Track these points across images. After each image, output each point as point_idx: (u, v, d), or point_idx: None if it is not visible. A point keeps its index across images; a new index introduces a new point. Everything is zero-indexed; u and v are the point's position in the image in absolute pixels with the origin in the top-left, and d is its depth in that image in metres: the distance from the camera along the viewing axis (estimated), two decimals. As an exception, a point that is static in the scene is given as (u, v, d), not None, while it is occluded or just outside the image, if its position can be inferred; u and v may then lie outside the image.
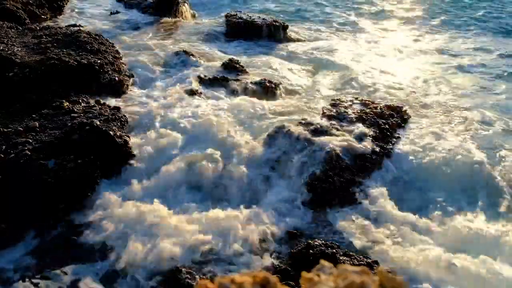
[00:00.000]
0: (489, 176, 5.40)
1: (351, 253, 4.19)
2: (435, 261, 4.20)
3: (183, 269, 4.02)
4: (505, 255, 4.34)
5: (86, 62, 6.83)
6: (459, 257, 4.26)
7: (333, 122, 6.04)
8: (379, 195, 5.07)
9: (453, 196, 5.21)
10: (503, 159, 5.76)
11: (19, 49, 6.92)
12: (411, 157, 5.75)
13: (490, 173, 5.45)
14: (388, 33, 11.46)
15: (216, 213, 4.71)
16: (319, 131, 5.79)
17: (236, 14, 11.02)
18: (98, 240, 4.41)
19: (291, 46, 9.94)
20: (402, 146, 5.89)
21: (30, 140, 5.02)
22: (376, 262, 4.06)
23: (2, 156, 4.75)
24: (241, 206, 4.85)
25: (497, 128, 6.60)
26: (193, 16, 11.73)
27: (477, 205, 5.09)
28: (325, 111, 6.35)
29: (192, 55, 8.41)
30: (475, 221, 4.80)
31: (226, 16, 11.03)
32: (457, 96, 7.72)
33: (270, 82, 7.60)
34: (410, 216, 4.84)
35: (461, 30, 11.61)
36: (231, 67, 8.07)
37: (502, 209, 5.04)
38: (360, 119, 6.14)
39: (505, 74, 8.83)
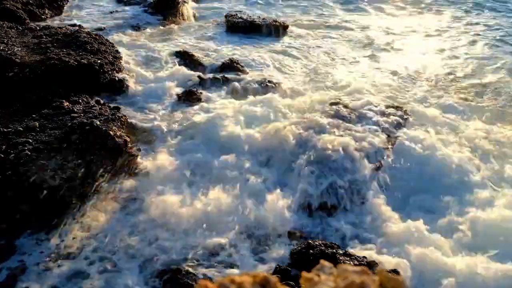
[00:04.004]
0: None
1: (351, 253, 4.19)
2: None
3: (183, 269, 4.02)
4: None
5: (86, 62, 6.83)
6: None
7: (333, 121, 6.04)
8: (379, 196, 5.07)
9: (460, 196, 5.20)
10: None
11: (19, 49, 6.92)
12: (411, 157, 5.77)
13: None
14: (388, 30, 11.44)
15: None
16: (319, 131, 5.79)
17: (236, 14, 11.03)
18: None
19: (291, 46, 9.94)
20: (403, 145, 5.90)
21: (30, 140, 5.02)
22: (376, 262, 4.06)
23: (2, 156, 4.75)
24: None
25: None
26: (194, 16, 11.73)
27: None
28: (325, 111, 6.35)
29: (192, 55, 8.41)
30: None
31: (226, 16, 11.04)
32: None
33: (270, 82, 7.61)
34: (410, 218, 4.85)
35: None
36: (231, 67, 8.08)
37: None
38: (360, 118, 6.15)
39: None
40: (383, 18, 12.17)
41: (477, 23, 11.61)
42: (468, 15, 12.28)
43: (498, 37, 10.61)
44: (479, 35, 10.81)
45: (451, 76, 8.58)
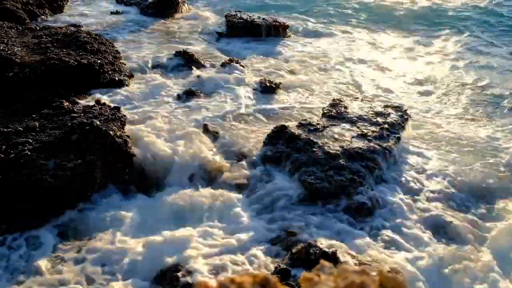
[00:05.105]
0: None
1: (351, 252, 4.19)
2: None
3: (183, 269, 4.02)
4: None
5: (86, 62, 6.83)
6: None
7: (333, 122, 6.04)
8: (379, 195, 5.07)
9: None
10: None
11: (19, 49, 6.92)
12: (411, 156, 5.78)
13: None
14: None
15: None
16: (319, 131, 5.79)
17: (236, 14, 11.02)
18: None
19: (291, 46, 9.94)
20: (403, 145, 5.91)
21: (30, 140, 5.02)
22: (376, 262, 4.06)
23: (2, 156, 4.75)
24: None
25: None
26: (193, 15, 11.72)
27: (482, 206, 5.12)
28: (325, 111, 6.35)
29: (192, 55, 8.40)
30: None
31: (226, 16, 11.05)
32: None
33: (270, 82, 7.61)
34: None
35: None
36: (231, 66, 8.07)
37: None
38: (360, 119, 6.14)
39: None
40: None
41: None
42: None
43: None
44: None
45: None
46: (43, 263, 4.08)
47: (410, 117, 6.50)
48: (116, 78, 7.10)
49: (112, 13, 11.32)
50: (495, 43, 10.41)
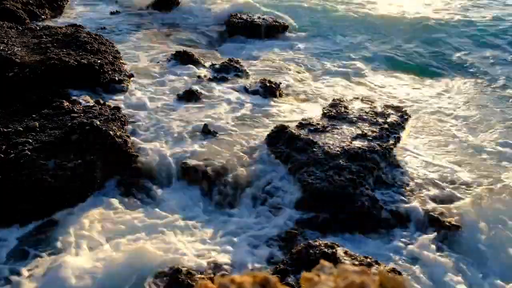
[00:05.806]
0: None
1: (351, 253, 4.18)
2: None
3: (183, 269, 4.02)
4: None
5: (86, 62, 6.83)
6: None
7: (333, 122, 6.05)
8: (378, 195, 5.07)
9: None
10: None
11: (19, 49, 6.92)
12: (411, 157, 5.79)
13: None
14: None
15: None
16: (319, 132, 5.79)
17: (236, 14, 11.02)
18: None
19: (291, 46, 9.94)
20: (402, 146, 5.91)
21: (30, 140, 5.02)
22: (376, 262, 4.06)
23: (2, 156, 4.75)
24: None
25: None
26: (193, 15, 11.72)
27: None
28: (325, 111, 6.35)
29: (192, 55, 8.40)
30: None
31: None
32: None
33: (270, 82, 7.60)
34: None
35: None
36: (231, 67, 8.07)
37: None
38: (360, 119, 6.15)
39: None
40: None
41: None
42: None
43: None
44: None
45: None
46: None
47: (410, 117, 6.50)
48: (116, 78, 7.10)
49: (112, 13, 11.31)
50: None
